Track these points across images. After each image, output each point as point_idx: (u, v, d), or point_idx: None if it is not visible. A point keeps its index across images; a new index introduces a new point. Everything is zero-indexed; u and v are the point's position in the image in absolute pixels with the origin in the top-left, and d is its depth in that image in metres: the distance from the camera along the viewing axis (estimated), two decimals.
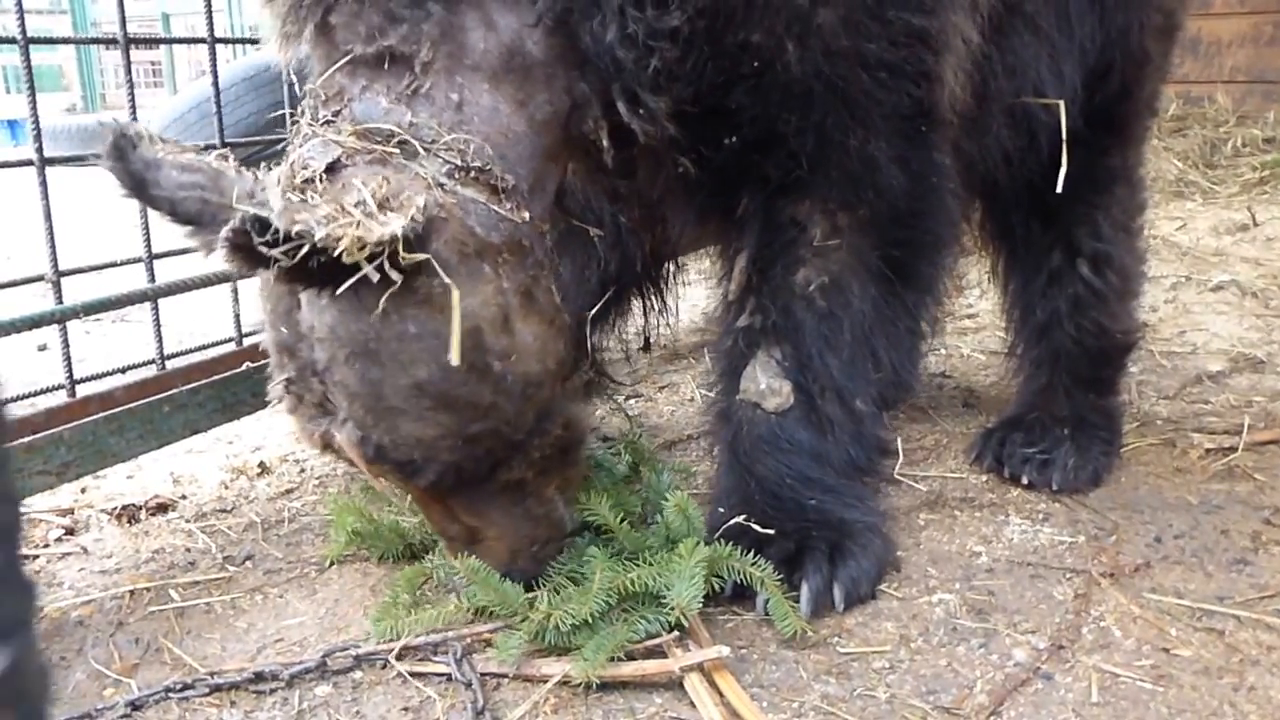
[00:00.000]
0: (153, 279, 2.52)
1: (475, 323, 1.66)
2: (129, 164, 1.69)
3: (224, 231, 1.46)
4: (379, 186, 1.54)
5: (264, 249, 1.43)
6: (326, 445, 1.80)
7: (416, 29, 1.71)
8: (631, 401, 3.23)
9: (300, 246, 1.43)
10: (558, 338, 1.83)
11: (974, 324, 4.00)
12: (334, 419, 1.75)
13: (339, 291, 1.53)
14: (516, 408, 1.77)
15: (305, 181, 1.59)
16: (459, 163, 1.68)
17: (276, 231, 1.42)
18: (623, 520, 2.03)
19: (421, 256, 1.55)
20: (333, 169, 1.62)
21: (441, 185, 1.66)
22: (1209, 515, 2.35)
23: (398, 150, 1.66)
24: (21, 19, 2.23)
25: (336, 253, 1.44)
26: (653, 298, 2.88)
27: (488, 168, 1.71)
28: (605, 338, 2.93)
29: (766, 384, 2.06)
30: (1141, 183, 2.78)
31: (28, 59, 2.25)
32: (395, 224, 1.48)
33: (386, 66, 1.72)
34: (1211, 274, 4.49)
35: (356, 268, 1.48)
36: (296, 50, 1.84)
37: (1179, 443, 2.75)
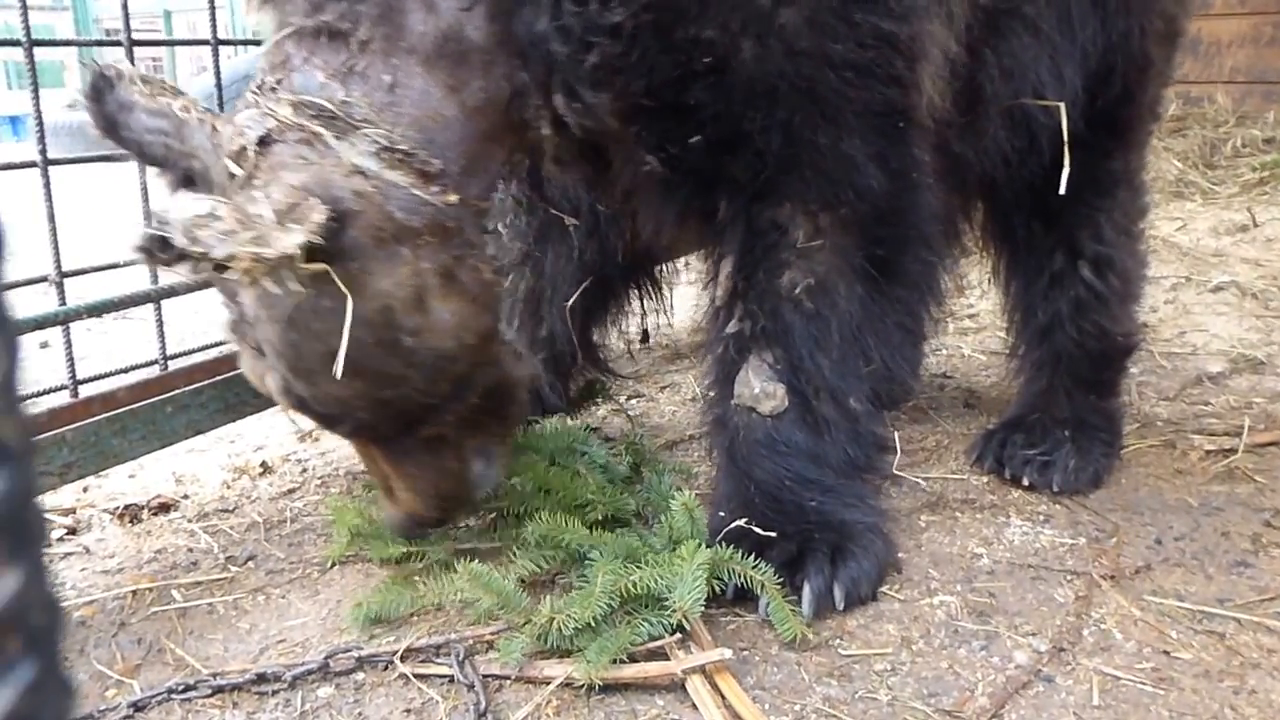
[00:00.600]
0: (155, 279, 2.52)
1: (387, 302, 1.74)
2: (104, 105, 1.80)
3: (132, 244, 1.55)
4: (285, 195, 1.57)
5: (168, 267, 1.53)
6: (263, 382, 1.90)
7: (354, 7, 1.75)
8: (633, 402, 3.24)
9: (200, 262, 1.50)
10: (481, 313, 1.89)
11: (975, 324, 4.01)
12: (267, 363, 1.85)
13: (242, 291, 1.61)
14: (428, 378, 1.84)
15: (239, 151, 1.69)
16: (385, 144, 1.72)
17: (177, 251, 1.50)
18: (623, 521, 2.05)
19: (320, 268, 1.61)
20: (264, 142, 1.69)
21: (363, 172, 1.70)
22: (1209, 517, 2.36)
23: (326, 130, 1.70)
24: (26, 21, 2.23)
25: (242, 276, 1.52)
26: (643, 292, 2.88)
27: (413, 151, 1.75)
28: (604, 334, 2.94)
29: (760, 388, 2.06)
30: (1144, 186, 2.79)
31: (32, 61, 2.25)
32: (294, 238, 1.53)
33: (326, 41, 1.76)
34: (1211, 275, 4.49)
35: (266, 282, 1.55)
36: (258, 16, 1.89)
37: (1179, 444, 2.76)
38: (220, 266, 1.51)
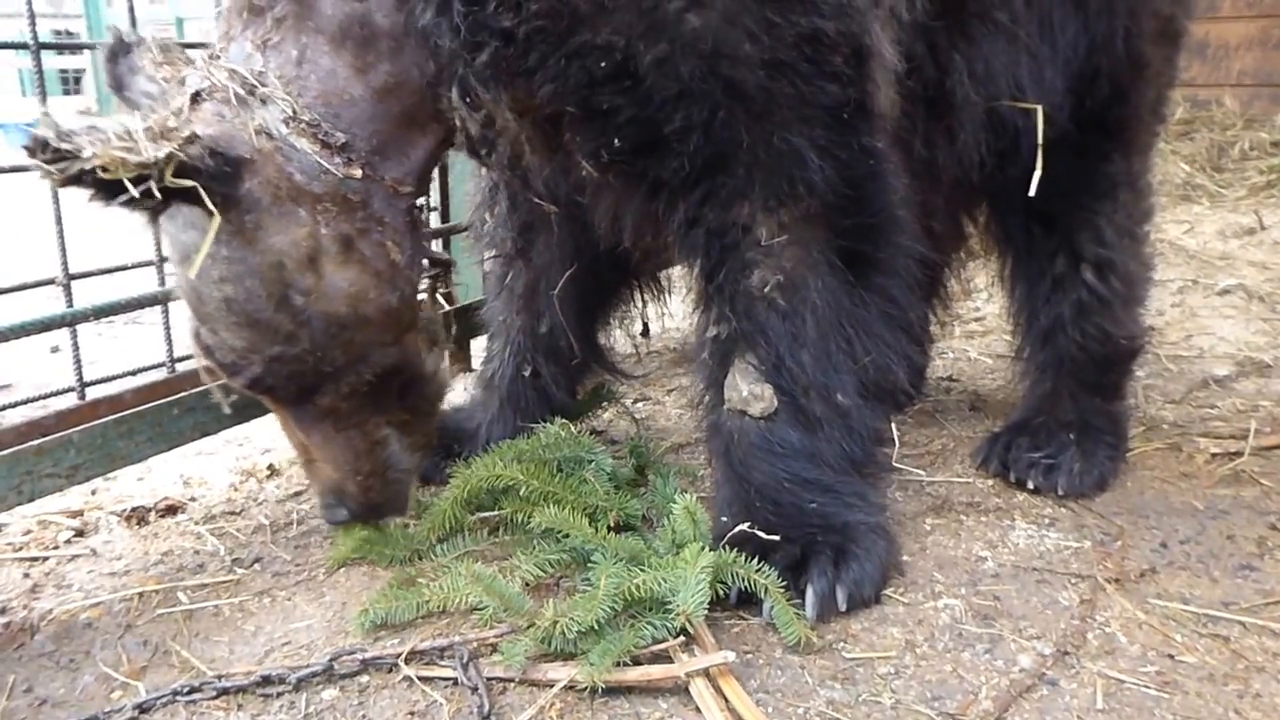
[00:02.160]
0: (163, 282, 2.54)
1: (279, 258, 1.86)
2: (117, 66, 2.00)
3: (22, 145, 1.66)
4: (164, 120, 1.73)
5: (43, 163, 1.62)
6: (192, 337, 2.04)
7: None
8: (639, 404, 3.24)
9: (70, 162, 1.62)
10: (384, 290, 1.97)
11: (981, 327, 4.00)
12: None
13: (111, 204, 1.70)
14: (318, 341, 1.93)
15: (179, 107, 1.83)
16: (292, 113, 1.85)
17: (53, 149, 1.61)
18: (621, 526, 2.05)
19: (187, 183, 1.72)
20: (196, 98, 1.85)
21: (268, 133, 1.83)
22: (1215, 520, 2.35)
23: (248, 95, 1.84)
24: (33, 24, 2.24)
25: (102, 174, 1.63)
26: (647, 295, 2.89)
27: (317, 122, 1.87)
28: (610, 336, 2.95)
29: (748, 390, 2.05)
30: (1148, 189, 2.77)
31: (39, 65, 2.27)
32: (161, 150, 1.67)
33: (252, 16, 1.89)
34: (1218, 278, 4.48)
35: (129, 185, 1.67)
36: None
37: (1185, 447, 2.75)
38: (90, 169, 1.63)
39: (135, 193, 1.66)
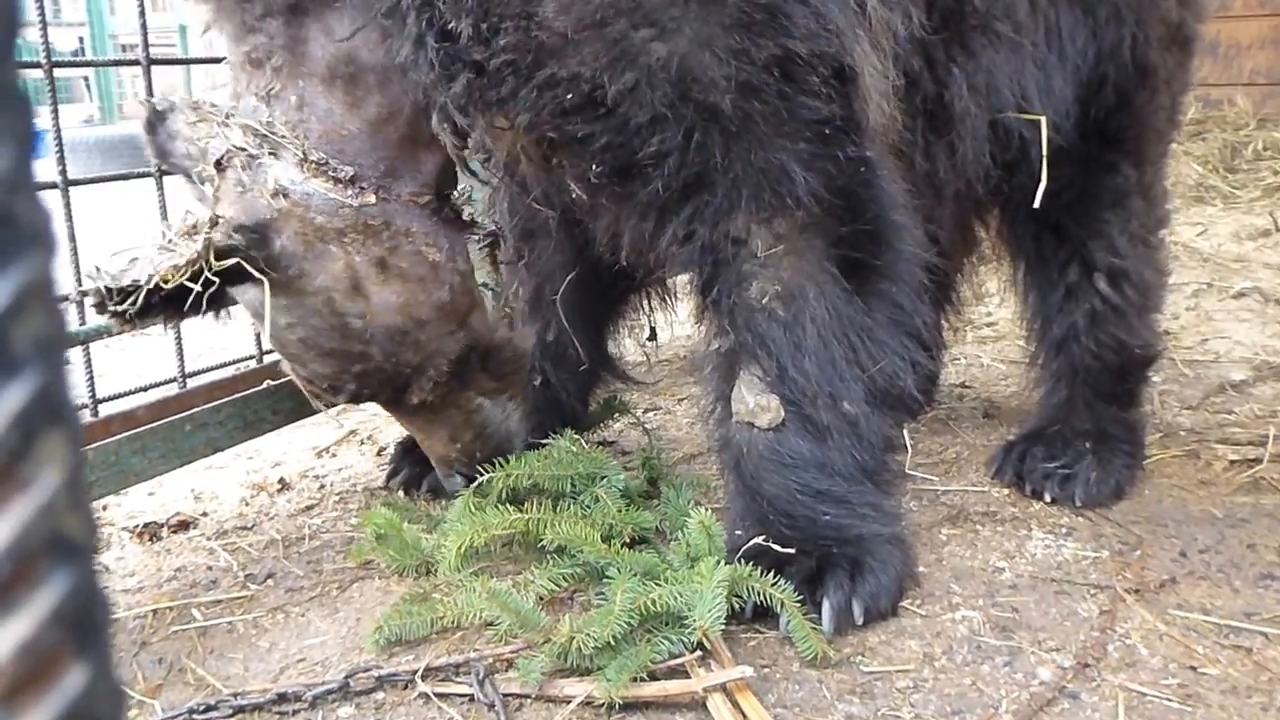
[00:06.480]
0: None
1: (328, 294, 2.07)
2: (156, 136, 2.13)
3: (93, 304, 1.92)
4: (183, 220, 1.99)
5: (116, 309, 1.88)
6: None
7: (268, 38, 2.01)
8: (650, 414, 3.23)
9: (138, 293, 1.87)
10: (433, 289, 2.17)
11: (994, 333, 3.98)
12: None
13: (199, 315, 2.02)
14: (388, 352, 2.14)
15: (210, 175, 2.03)
16: (302, 156, 2.01)
17: (119, 290, 1.86)
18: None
19: (230, 262, 1.95)
20: (219, 166, 2.02)
21: (285, 191, 2.00)
22: (1234, 529, 2.33)
23: (263, 149, 2.00)
24: (46, 41, 2.24)
25: (166, 285, 1.88)
26: (654, 303, 2.89)
27: (325, 161, 2.02)
28: (620, 345, 2.94)
29: (754, 402, 2.04)
30: (1162, 196, 2.74)
31: (52, 82, 2.27)
32: (197, 245, 1.90)
33: (253, 69, 2.00)
34: (1233, 280, 4.45)
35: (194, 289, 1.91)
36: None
37: (1203, 454, 2.73)
38: (154, 291, 1.87)
39: (198, 289, 1.86)
